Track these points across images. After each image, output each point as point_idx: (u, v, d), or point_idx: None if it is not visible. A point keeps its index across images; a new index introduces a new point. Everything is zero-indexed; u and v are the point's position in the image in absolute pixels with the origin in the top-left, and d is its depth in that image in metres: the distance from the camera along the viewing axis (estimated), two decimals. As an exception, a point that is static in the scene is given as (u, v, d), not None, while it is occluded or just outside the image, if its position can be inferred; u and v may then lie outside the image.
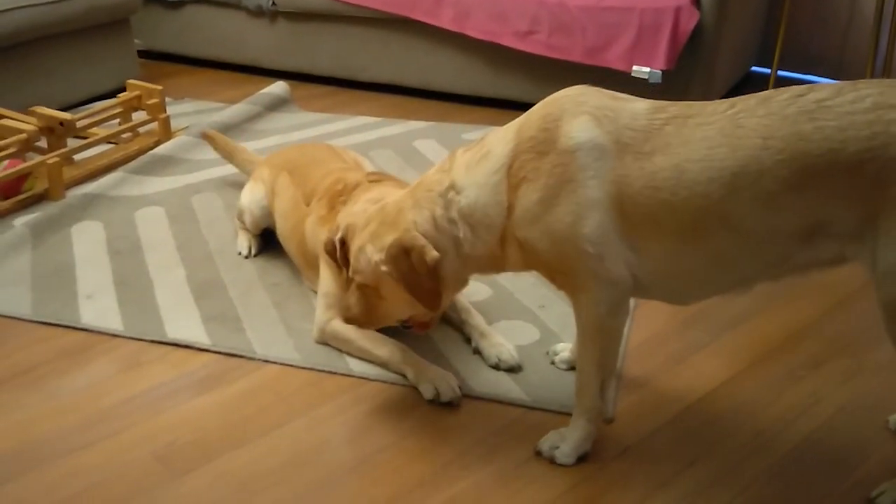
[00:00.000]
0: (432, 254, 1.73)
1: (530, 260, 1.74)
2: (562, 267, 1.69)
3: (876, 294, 1.55)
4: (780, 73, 4.11)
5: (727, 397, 2.04)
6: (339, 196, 2.19)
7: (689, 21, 3.54)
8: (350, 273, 1.88)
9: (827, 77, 4.23)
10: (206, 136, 3.09)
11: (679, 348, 2.23)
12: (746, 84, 4.25)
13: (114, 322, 2.26)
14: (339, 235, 1.94)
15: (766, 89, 1.64)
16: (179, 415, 1.94)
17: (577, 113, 1.64)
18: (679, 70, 3.56)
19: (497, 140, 1.74)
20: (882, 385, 2.08)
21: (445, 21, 3.86)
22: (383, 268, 1.78)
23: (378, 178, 2.27)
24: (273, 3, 4.13)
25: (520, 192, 1.68)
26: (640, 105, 1.65)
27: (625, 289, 1.68)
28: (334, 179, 2.30)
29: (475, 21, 3.82)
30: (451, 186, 1.76)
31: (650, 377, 2.09)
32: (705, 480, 1.77)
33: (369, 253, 1.80)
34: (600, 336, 1.72)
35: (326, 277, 2.18)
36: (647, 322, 2.31)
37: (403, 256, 1.74)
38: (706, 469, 1.80)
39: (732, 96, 1.65)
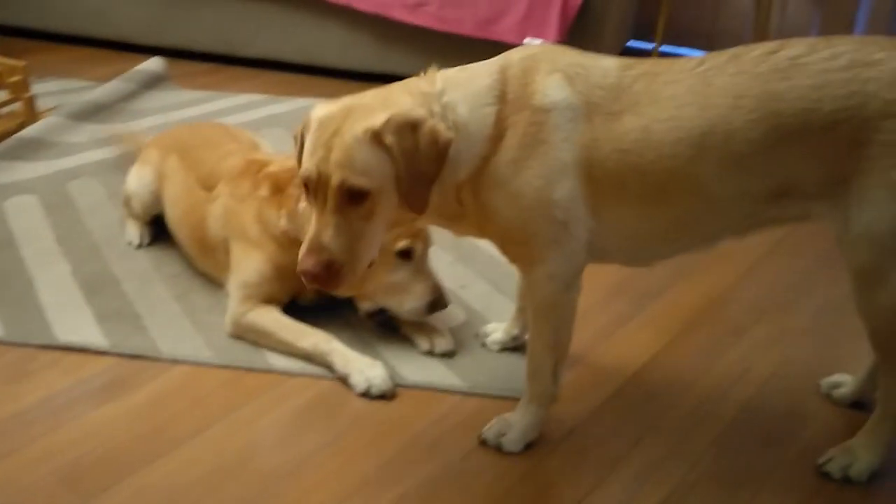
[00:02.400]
0: (447, 133, 1.47)
1: (488, 225, 1.59)
2: (522, 235, 1.57)
3: (846, 258, 1.52)
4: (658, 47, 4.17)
5: (661, 369, 2.01)
6: (290, 180, 2.00)
7: (579, -8, 3.53)
8: (336, 181, 1.45)
9: (701, 49, 4.31)
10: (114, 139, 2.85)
11: (606, 322, 2.18)
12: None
13: (-9, 327, 2.00)
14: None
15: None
16: (82, 428, 1.72)
17: (551, 70, 1.53)
18: (569, 43, 3.53)
19: (483, 73, 1.55)
20: (806, 349, 2.11)
21: (331, -7, 3.69)
22: (388, 138, 1.43)
23: None
24: (142, -27, 3.82)
25: (502, 144, 1.51)
26: (610, 62, 1.57)
27: (580, 262, 1.60)
28: (246, 161, 2.13)
29: (363, -7, 3.67)
30: (444, 92, 1.53)
31: (583, 353, 2.03)
32: (655, 457, 1.72)
33: (364, 130, 1.44)
34: (554, 313, 1.63)
35: (247, 266, 2.00)
36: (573, 298, 2.25)
37: (409, 132, 1.45)
38: (654, 445, 1.75)
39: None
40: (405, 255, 1.92)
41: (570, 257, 1.58)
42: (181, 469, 1.63)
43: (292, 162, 2.08)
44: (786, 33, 4.08)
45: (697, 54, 1.58)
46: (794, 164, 1.47)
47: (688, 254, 1.67)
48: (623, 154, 1.49)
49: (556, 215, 1.53)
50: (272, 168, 2.07)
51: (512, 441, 1.70)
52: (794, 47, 1.47)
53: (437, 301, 1.95)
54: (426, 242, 1.97)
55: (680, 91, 1.49)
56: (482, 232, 1.64)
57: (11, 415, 1.75)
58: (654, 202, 1.53)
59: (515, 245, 1.61)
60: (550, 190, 1.51)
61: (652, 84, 1.51)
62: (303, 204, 1.95)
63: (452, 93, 1.53)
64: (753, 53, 1.48)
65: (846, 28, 4.02)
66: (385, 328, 2.01)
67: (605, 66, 1.55)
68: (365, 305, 1.99)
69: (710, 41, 4.29)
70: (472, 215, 1.58)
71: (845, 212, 1.48)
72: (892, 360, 1.58)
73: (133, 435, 1.71)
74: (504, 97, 1.52)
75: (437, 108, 1.50)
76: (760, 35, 3.83)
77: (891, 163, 1.42)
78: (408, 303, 1.94)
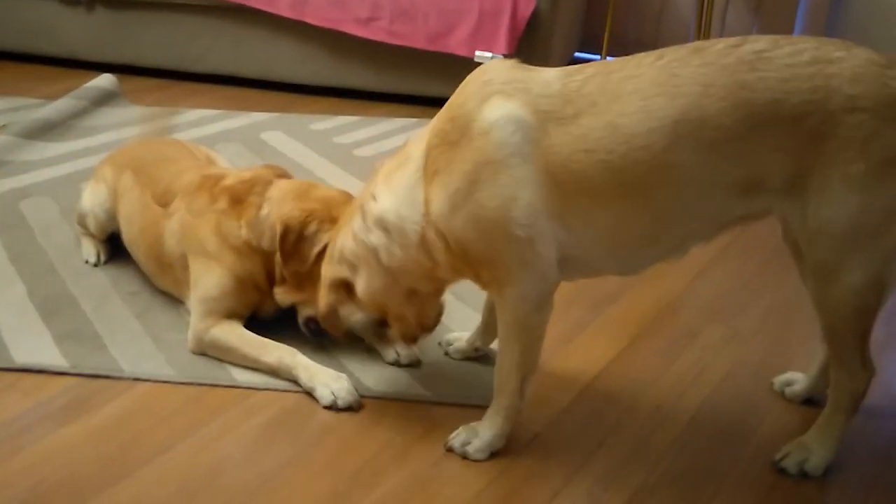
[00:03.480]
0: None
1: (457, 258, 1.64)
2: (489, 258, 1.60)
3: (805, 252, 1.57)
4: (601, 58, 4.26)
5: (620, 374, 2.06)
6: (248, 190, 2.02)
7: (527, 7, 3.60)
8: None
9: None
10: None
11: (565, 329, 2.22)
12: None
13: (-55, 351, 1.96)
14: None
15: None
16: (42, 451, 1.69)
17: (486, 95, 1.57)
18: (518, 55, 3.59)
19: (414, 142, 1.68)
20: (758, 349, 2.18)
21: (283, 8, 3.70)
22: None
23: (282, 172, 2.14)
24: (89, -12, 3.78)
25: (434, 185, 1.59)
26: (551, 72, 1.60)
27: (552, 281, 1.63)
28: (202, 176, 2.13)
29: (314, 8, 3.69)
30: (371, 196, 1.71)
31: (544, 360, 2.02)
32: (617, 460, 1.76)
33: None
34: (524, 333, 1.65)
35: (207, 281, 2.00)
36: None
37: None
38: (616, 449, 1.79)
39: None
40: None
41: (540, 278, 1.61)
42: (147, 489, 1.62)
43: (248, 173, 2.10)
44: (727, 42, 4.20)
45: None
46: (765, 155, 1.50)
47: (666, 260, 1.68)
48: (588, 154, 1.51)
49: (517, 233, 1.55)
50: (228, 181, 2.08)
51: (478, 449, 1.72)
52: (758, 42, 1.51)
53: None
54: None
55: (644, 84, 1.51)
56: (455, 268, 1.67)
57: (-30, 439, 1.72)
58: (629, 199, 1.54)
59: (486, 269, 1.63)
60: (508, 208, 1.54)
61: (607, 83, 1.54)
62: (265, 211, 1.97)
63: (379, 188, 1.70)
64: (717, 47, 1.52)
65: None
66: (318, 337, 2.00)
67: (546, 77, 1.59)
68: (307, 311, 1.99)
69: (654, 49, 4.39)
70: (442, 256, 1.64)
71: (804, 206, 1.52)
72: (844, 353, 1.63)
73: (96, 456, 1.69)
74: (427, 159, 1.62)
75: (357, 223, 1.72)
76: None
77: (850, 157, 1.47)
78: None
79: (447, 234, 1.61)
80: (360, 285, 1.75)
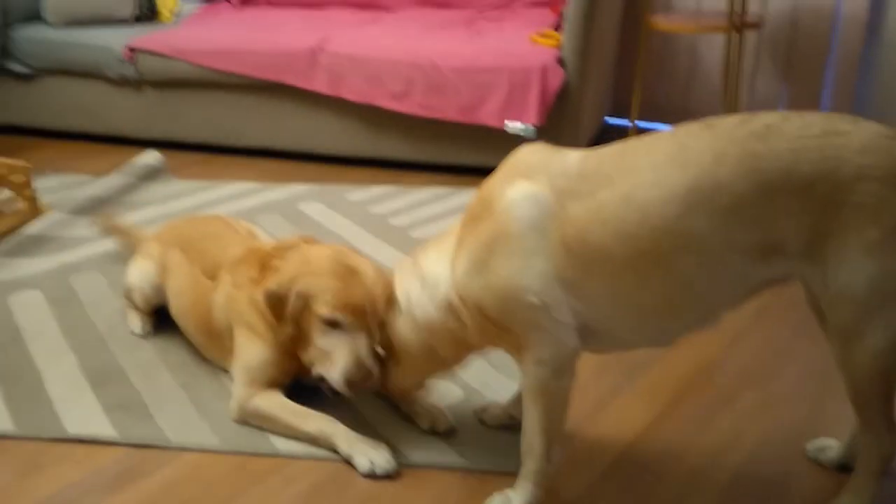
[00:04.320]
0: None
1: (481, 323, 1.72)
2: (506, 322, 1.68)
3: (827, 316, 1.61)
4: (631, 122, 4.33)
5: (654, 440, 2.07)
6: (272, 256, 2.11)
7: (556, 78, 3.68)
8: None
9: (675, 124, 4.45)
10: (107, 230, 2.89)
11: (599, 395, 2.25)
12: (606, 134, 4.44)
13: (2, 422, 2.04)
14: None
15: (627, 138, 1.72)
16: (94, 518, 1.77)
17: (510, 177, 1.69)
18: (549, 124, 3.68)
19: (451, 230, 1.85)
20: (793, 414, 2.18)
21: (320, 85, 3.84)
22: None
23: (310, 239, 2.22)
24: (138, 71, 3.96)
25: (460, 253, 1.73)
26: (572, 155, 1.69)
27: (570, 348, 1.68)
28: (246, 250, 2.22)
29: (350, 84, 3.81)
30: (424, 253, 1.89)
31: (578, 427, 2.09)
32: (654, 527, 1.77)
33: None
34: (544, 398, 1.70)
35: (248, 350, 2.08)
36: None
37: None
38: (652, 516, 1.81)
39: (595, 146, 1.71)
40: (331, 324, 1.94)
41: (557, 343, 1.67)
42: (194, 556, 1.67)
43: (278, 242, 2.19)
44: (754, 108, 4.25)
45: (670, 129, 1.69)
46: (780, 220, 1.53)
47: (697, 330, 1.70)
48: (603, 224, 1.58)
49: (530, 300, 1.63)
50: (264, 251, 2.17)
51: (513, 517, 1.75)
52: (768, 117, 1.57)
53: (354, 380, 1.90)
54: (365, 318, 1.93)
55: (657, 158, 1.58)
56: (483, 333, 1.76)
57: (26, 508, 1.79)
58: (646, 268, 1.58)
59: (505, 332, 1.70)
60: (521, 276, 1.63)
61: (622, 160, 1.62)
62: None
63: (429, 249, 1.88)
64: (728, 122, 1.58)
65: (812, 104, 4.20)
66: (333, 395, 1.99)
67: (567, 159, 1.68)
68: (316, 370, 2.00)
69: (682, 116, 4.44)
70: (470, 321, 1.75)
71: (823, 270, 1.56)
72: (870, 416, 1.64)
73: (145, 523, 1.75)
74: (461, 230, 1.77)
75: (408, 274, 1.88)
76: (730, 110, 3.99)
77: (864, 223, 1.51)
78: (330, 371, 1.94)
79: (467, 298, 1.72)
80: (395, 327, 1.90)
